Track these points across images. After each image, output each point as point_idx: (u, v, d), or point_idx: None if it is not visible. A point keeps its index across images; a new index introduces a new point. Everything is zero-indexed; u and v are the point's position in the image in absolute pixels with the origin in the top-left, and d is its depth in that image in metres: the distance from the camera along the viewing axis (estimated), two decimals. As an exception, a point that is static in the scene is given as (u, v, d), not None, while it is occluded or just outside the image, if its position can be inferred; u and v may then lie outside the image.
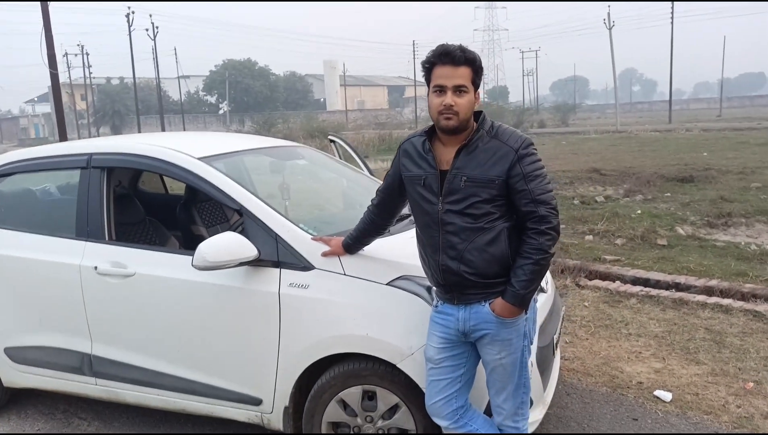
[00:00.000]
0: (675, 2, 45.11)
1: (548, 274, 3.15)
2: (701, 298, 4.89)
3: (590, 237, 7.25)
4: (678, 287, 5.22)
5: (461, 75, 2.12)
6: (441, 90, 2.13)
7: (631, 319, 4.58)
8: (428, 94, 2.20)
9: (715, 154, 15.71)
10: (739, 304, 4.74)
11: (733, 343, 4.07)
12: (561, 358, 3.80)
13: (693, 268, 5.70)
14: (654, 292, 5.12)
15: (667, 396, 3.44)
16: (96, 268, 3.01)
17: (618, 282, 5.48)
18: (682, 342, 4.14)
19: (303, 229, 2.73)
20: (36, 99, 79.16)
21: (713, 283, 5.17)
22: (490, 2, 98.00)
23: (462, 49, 2.13)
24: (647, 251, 6.51)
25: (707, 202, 8.93)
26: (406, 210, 2.57)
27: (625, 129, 31.96)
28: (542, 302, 2.81)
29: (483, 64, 2.25)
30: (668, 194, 9.92)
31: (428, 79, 2.18)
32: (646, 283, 5.40)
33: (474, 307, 2.23)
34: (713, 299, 4.86)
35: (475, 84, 2.16)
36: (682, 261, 5.96)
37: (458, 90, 2.12)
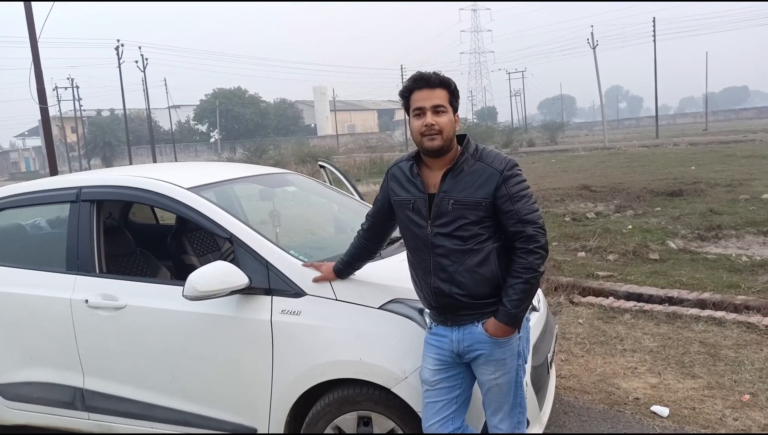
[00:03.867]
0: (655, 20, 46.01)
1: (540, 294, 3.17)
2: (694, 311, 4.91)
3: (582, 254, 7.27)
4: (671, 301, 5.23)
5: (438, 96, 2.18)
6: (421, 112, 2.18)
7: (626, 335, 4.58)
8: (409, 121, 2.24)
9: (702, 167, 15.87)
10: (732, 316, 4.75)
11: (727, 356, 4.08)
12: (557, 377, 3.79)
13: (685, 281, 5.73)
14: (647, 306, 5.13)
15: (664, 411, 3.43)
16: (87, 301, 2.99)
17: (611, 298, 5.49)
18: (677, 356, 4.15)
19: (294, 256, 2.74)
20: (26, 133, 79.14)
21: (706, 295, 5.18)
22: (476, 26, 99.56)
23: (436, 74, 2.21)
24: (639, 266, 6.53)
25: (697, 216, 8.99)
26: (396, 233, 2.58)
27: (614, 145, 32.27)
28: (535, 321, 2.82)
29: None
30: (658, 209, 9.99)
31: (408, 107, 2.24)
32: (639, 298, 5.42)
33: (467, 327, 2.24)
34: (706, 312, 4.87)
35: (453, 106, 2.22)
36: (675, 275, 5.99)
37: (437, 110, 2.17)
